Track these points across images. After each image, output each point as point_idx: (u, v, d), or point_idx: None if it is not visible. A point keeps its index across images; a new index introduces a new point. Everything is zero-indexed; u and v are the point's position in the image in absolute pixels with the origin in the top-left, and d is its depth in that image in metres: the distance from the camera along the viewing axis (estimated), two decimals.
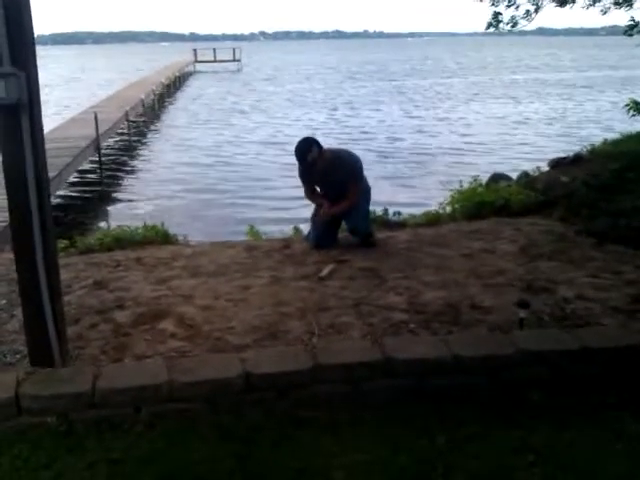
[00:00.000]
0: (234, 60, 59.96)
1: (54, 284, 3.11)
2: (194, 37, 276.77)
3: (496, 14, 8.13)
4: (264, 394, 2.87)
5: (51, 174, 9.64)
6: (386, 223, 6.17)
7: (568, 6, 8.18)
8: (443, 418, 2.83)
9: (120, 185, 13.75)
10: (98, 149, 14.32)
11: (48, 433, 2.75)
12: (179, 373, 2.88)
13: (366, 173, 5.42)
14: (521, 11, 8.13)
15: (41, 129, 3.01)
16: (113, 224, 8.74)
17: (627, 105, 8.10)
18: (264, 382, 2.87)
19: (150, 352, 3.28)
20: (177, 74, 41.34)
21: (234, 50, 61.09)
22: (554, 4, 8.20)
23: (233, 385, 2.84)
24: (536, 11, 8.20)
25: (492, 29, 8.43)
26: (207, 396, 2.83)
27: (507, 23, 8.27)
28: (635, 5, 7.90)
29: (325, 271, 4.53)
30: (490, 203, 6.42)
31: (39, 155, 2.95)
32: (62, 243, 5.77)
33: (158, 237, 5.84)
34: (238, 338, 3.41)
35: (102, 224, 10.32)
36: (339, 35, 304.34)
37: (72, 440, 2.72)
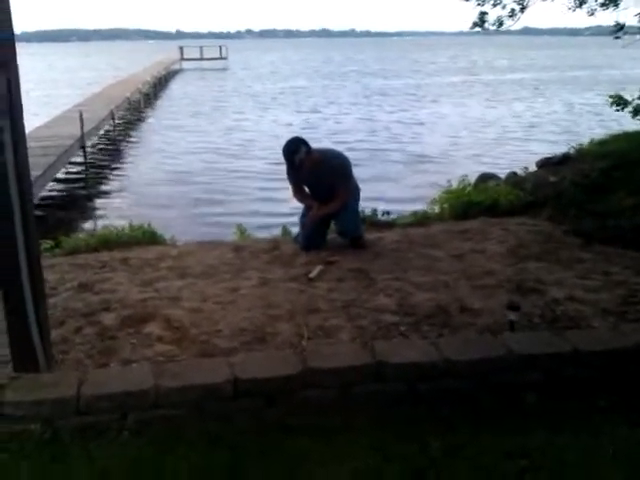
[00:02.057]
0: (221, 58, 59.71)
1: (38, 286, 3.04)
2: (180, 35, 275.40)
3: (482, 14, 8.14)
4: (253, 400, 2.82)
5: (35, 173, 9.51)
6: (375, 223, 6.13)
7: (549, 0, 8.18)
8: (435, 423, 2.80)
9: (106, 184, 13.60)
10: (83, 148, 14.17)
11: (31, 440, 2.69)
12: (166, 378, 2.82)
13: (356, 172, 5.38)
14: (507, 10, 8.15)
15: (22, 129, 2.94)
16: (99, 224, 8.66)
17: (610, 97, 8.11)
18: (252, 387, 2.82)
19: (136, 356, 3.22)
20: (163, 72, 41.06)
21: (221, 48, 60.86)
22: None
23: (221, 390, 2.79)
24: (522, 10, 8.21)
25: (478, 29, 8.44)
26: (195, 402, 2.78)
27: (493, 23, 8.29)
28: (621, 6, 7.93)
29: (314, 272, 4.49)
30: (478, 203, 6.41)
31: (21, 156, 2.88)
32: (47, 244, 5.69)
33: (144, 237, 5.77)
34: (226, 341, 3.36)
35: (88, 224, 10.21)
36: (326, 34, 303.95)
37: (56, 448, 2.66)
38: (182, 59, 57.64)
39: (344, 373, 2.91)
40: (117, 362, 3.19)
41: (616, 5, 7.86)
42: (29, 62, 53.41)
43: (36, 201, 10.13)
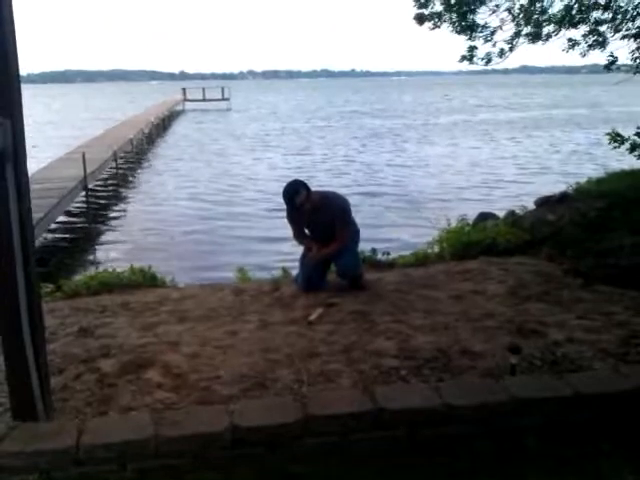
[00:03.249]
0: (223, 99, 60.57)
1: (38, 333, 3.04)
2: (184, 76, 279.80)
3: (471, 48, 8.30)
4: (253, 447, 2.80)
5: (37, 215, 9.58)
6: (375, 264, 6.15)
7: (541, 42, 8.36)
8: (436, 469, 2.77)
9: (108, 227, 13.67)
10: (86, 189, 14.28)
11: None
12: (165, 427, 2.80)
13: (353, 214, 5.42)
14: (496, 48, 8.33)
15: (26, 176, 2.96)
16: (100, 267, 8.68)
17: (608, 134, 8.21)
18: (252, 435, 2.80)
19: (136, 404, 3.20)
20: (166, 113, 41.62)
21: (223, 89, 61.76)
22: (527, 41, 8.37)
23: (221, 439, 2.77)
24: (510, 50, 8.39)
25: (468, 64, 8.59)
26: (195, 451, 2.75)
27: (482, 59, 8.45)
28: (614, 46, 8.10)
29: (314, 315, 4.49)
30: (478, 242, 6.43)
31: (24, 202, 2.91)
32: (48, 287, 5.70)
33: (145, 280, 5.78)
34: (226, 388, 3.34)
35: (89, 267, 10.23)
36: (327, 74, 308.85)
37: None
38: (185, 100, 58.54)
39: (344, 420, 2.89)
40: (117, 410, 3.17)
41: (603, 47, 8.02)
42: (33, 104, 54.18)
43: (37, 243, 10.19)
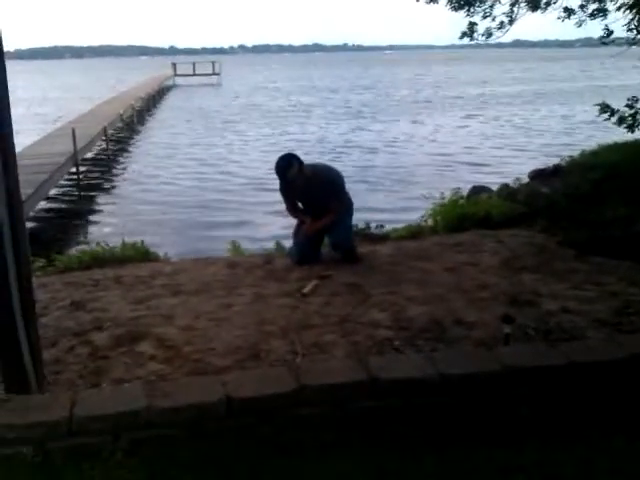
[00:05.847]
0: (213, 74, 59.99)
1: (28, 306, 3.01)
2: (173, 51, 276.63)
3: (471, 24, 8.22)
4: (246, 418, 2.79)
5: (28, 191, 9.50)
6: (369, 237, 6.13)
7: (540, 11, 8.26)
8: (430, 439, 2.77)
9: (99, 202, 13.57)
10: (76, 165, 14.15)
11: (23, 464, 2.64)
12: (158, 398, 2.78)
13: (346, 187, 5.39)
14: (496, 22, 8.25)
15: (12, 148, 2.91)
16: (92, 241, 8.62)
17: (598, 105, 8.17)
18: (246, 406, 2.79)
19: (128, 376, 3.19)
20: (156, 89, 41.21)
21: (213, 64, 61.15)
22: (526, 9, 8.27)
23: (214, 410, 2.76)
24: (510, 22, 8.31)
25: (468, 40, 8.52)
26: (187, 422, 2.74)
27: (482, 34, 8.37)
28: (611, 17, 8.01)
29: (308, 287, 4.48)
30: (471, 215, 6.42)
31: (10, 174, 2.86)
32: (39, 262, 5.66)
33: (137, 254, 5.75)
34: (219, 359, 3.33)
35: (81, 241, 10.17)
36: (319, 48, 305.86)
37: (48, 471, 2.62)
38: (175, 75, 58.00)
39: (338, 390, 2.89)
40: (109, 382, 3.15)
41: (604, 15, 7.93)
42: (22, 80, 53.56)
43: (29, 219, 10.12)
